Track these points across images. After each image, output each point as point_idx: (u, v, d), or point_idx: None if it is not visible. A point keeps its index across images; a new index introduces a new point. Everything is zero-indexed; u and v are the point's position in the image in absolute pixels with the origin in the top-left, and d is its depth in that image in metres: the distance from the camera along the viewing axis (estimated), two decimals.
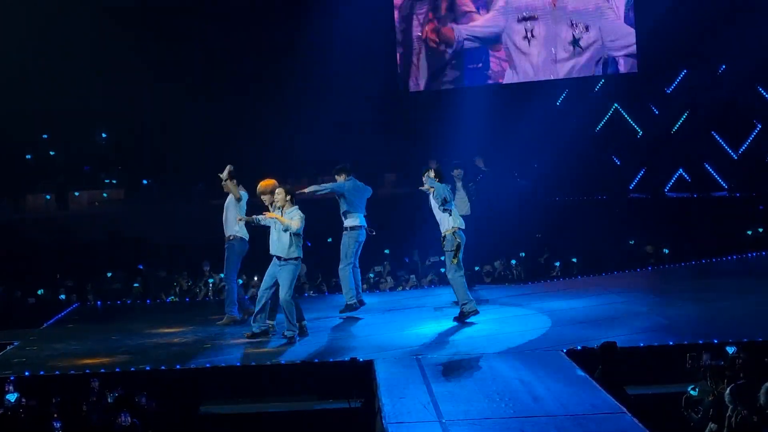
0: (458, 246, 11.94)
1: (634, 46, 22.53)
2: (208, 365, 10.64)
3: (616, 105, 23.98)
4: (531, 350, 10.55)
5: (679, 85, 23.15)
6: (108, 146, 26.54)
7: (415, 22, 24.41)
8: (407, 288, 16.36)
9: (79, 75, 23.33)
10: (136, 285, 17.44)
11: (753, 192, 21.36)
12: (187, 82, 23.73)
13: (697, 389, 8.89)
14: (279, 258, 11.50)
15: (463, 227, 12.13)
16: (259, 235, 12.33)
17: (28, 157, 25.49)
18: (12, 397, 9.67)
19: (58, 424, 9.12)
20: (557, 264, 17.38)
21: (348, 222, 12.64)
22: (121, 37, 23.02)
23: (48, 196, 24.66)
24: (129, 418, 9.11)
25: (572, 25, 22.98)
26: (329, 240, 16.14)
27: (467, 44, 24.00)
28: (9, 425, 9.37)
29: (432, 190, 12.02)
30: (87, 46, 23.30)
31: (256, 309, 11.78)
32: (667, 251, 18.46)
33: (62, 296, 16.79)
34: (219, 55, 24.13)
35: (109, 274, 18.43)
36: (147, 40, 23.59)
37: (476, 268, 15.83)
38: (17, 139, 23.78)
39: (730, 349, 9.58)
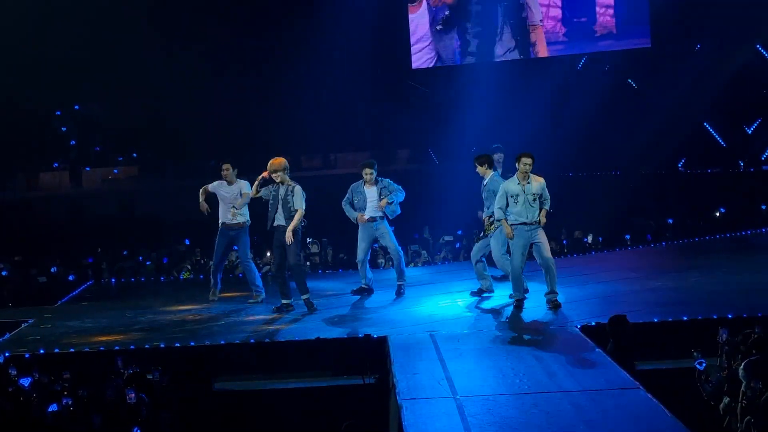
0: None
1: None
2: (222, 342, 10.66)
3: (629, 80, 23.83)
4: (545, 326, 10.54)
5: (692, 59, 22.98)
6: (121, 123, 26.52)
7: None
8: (419, 264, 16.35)
9: (93, 51, 23.28)
10: (163, 262, 17.46)
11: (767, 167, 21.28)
12: (202, 60, 23.68)
13: (704, 364, 8.86)
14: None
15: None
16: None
17: (41, 134, 25.49)
18: (26, 382, 9.69)
19: (68, 401, 9.15)
20: (588, 239, 17.36)
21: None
22: (137, 14, 22.96)
23: (66, 170, 24.69)
24: (134, 395, 9.12)
25: None
26: None
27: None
28: (20, 402, 9.42)
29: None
30: (102, 22, 23.23)
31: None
32: (679, 226, 18.40)
33: (71, 277, 16.69)
34: (232, 33, 24.05)
35: (146, 253, 18.39)
36: (163, 18, 23.52)
37: None
38: (30, 117, 23.75)
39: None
